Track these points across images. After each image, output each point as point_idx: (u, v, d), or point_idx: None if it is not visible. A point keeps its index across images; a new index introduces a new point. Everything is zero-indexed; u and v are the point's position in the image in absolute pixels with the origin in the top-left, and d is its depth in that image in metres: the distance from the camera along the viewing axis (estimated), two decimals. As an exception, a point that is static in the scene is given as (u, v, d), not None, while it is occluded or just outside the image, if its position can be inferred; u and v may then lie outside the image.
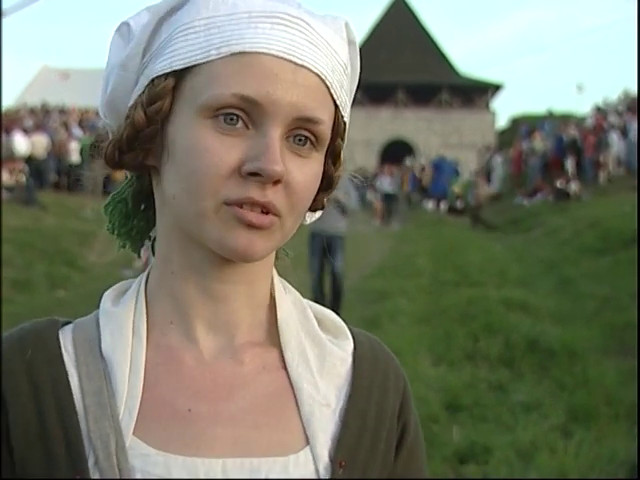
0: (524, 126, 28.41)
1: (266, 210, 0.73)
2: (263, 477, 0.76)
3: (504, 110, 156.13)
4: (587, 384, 5.46)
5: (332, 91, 0.76)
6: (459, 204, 23.17)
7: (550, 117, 27.49)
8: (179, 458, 0.75)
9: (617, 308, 7.57)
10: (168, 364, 0.80)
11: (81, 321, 0.84)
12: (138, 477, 0.74)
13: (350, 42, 0.81)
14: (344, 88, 0.79)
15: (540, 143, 23.28)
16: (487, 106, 46.27)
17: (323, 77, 0.75)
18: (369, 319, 7.85)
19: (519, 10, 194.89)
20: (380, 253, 14.83)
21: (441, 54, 47.34)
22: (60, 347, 0.80)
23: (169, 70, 0.75)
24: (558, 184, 18.78)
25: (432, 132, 43.99)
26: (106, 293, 0.85)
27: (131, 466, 0.74)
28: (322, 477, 0.78)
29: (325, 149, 0.79)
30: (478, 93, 45.76)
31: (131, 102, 0.78)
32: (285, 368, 0.82)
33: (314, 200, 0.81)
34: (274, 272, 0.87)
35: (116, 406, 0.76)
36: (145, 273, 0.85)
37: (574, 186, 18.36)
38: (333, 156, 0.82)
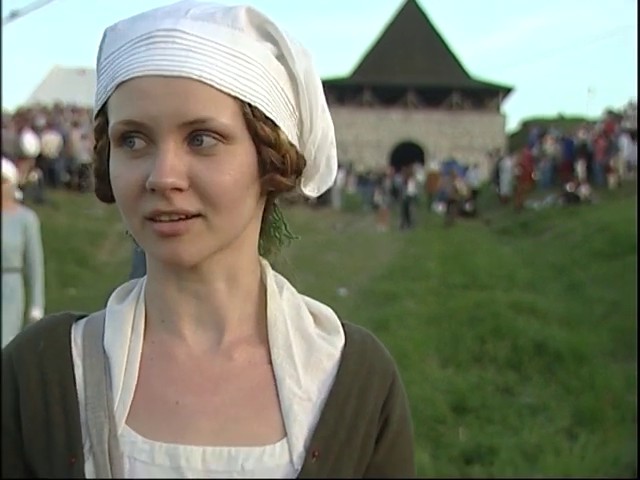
0: (535, 129, 28.38)
1: (179, 217, 0.78)
2: (239, 465, 0.82)
3: (515, 113, 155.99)
4: (593, 387, 5.48)
5: (218, 86, 0.78)
6: (468, 207, 23.15)
7: (561, 120, 27.41)
8: (163, 445, 0.82)
9: (626, 312, 7.57)
10: (161, 359, 0.87)
11: (94, 316, 0.92)
12: (126, 462, 0.81)
13: (260, 24, 0.82)
14: (244, 75, 0.80)
15: (551, 147, 23.23)
16: (498, 109, 46.24)
17: (199, 78, 0.77)
18: (377, 321, 7.89)
19: (531, 13, 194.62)
20: (389, 255, 14.86)
21: (452, 56, 47.31)
22: (70, 340, 0.88)
23: (97, 111, 0.84)
24: (568, 187, 18.76)
25: (442, 134, 43.99)
26: (114, 292, 0.92)
27: (121, 452, 0.82)
28: (296, 467, 0.83)
29: (242, 138, 0.80)
30: (489, 96, 45.73)
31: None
32: (271, 363, 0.87)
33: (269, 184, 0.84)
34: (268, 267, 0.92)
35: (112, 397, 0.84)
36: (146, 275, 0.91)
37: (584, 190, 18.33)
38: (261, 140, 0.82)
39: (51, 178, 17.53)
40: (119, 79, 0.78)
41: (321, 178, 0.91)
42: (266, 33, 0.82)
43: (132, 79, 0.78)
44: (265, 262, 0.92)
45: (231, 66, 0.79)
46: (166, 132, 0.77)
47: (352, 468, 0.86)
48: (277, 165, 0.83)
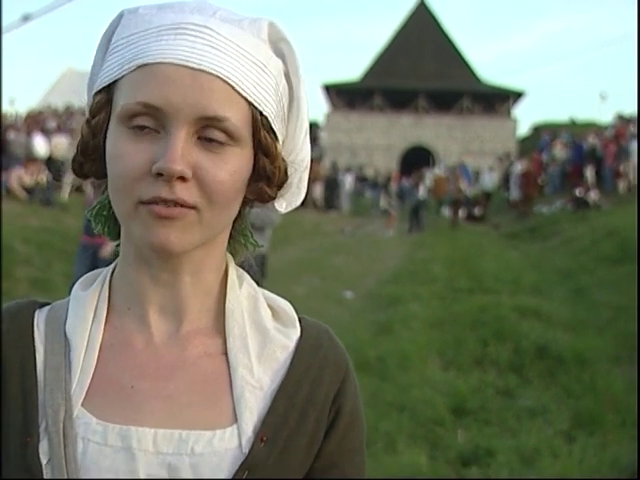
0: (546, 134, 28.30)
1: (176, 205, 0.80)
2: (189, 447, 0.84)
3: (526, 118, 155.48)
4: (594, 391, 5.47)
5: (238, 89, 0.81)
6: (477, 211, 23.11)
7: (572, 125, 27.32)
8: (116, 427, 0.85)
9: (631, 317, 7.53)
10: (120, 345, 0.90)
11: (57, 303, 0.95)
12: (79, 442, 0.84)
13: (277, 40, 0.86)
14: (261, 84, 0.84)
15: (560, 151, 23.17)
16: (509, 113, 46.07)
17: (224, 77, 0.80)
18: (381, 324, 7.90)
19: (542, 18, 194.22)
20: (397, 259, 14.86)
21: (463, 60, 47.19)
22: (33, 325, 0.91)
23: (101, 87, 0.85)
24: (577, 193, 18.70)
25: (452, 139, 43.86)
26: (80, 280, 0.95)
27: (75, 433, 0.85)
28: (244, 450, 0.85)
29: (246, 143, 0.84)
30: (500, 100, 45.58)
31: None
32: (226, 353, 0.90)
33: (254, 191, 0.88)
34: (231, 261, 0.95)
35: (70, 380, 0.87)
36: (114, 264, 0.94)
37: (593, 195, 18.27)
38: (262, 149, 0.86)
39: (60, 180, 17.58)
40: (141, 61, 0.80)
41: (291, 197, 0.95)
42: (279, 50, 0.86)
43: (157, 64, 0.79)
44: (230, 257, 0.95)
45: (252, 73, 0.82)
46: (182, 121, 0.79)
47: (301, 454, 0.89)
48: (269, 175, 0.87)
